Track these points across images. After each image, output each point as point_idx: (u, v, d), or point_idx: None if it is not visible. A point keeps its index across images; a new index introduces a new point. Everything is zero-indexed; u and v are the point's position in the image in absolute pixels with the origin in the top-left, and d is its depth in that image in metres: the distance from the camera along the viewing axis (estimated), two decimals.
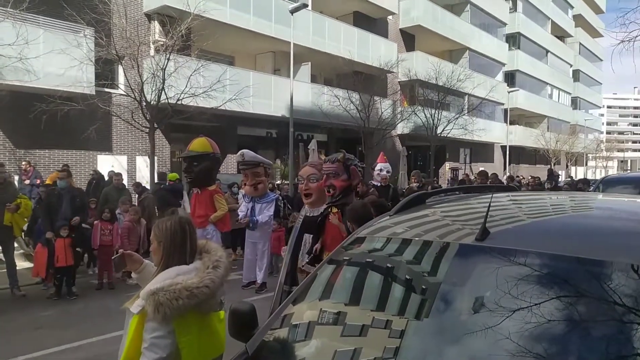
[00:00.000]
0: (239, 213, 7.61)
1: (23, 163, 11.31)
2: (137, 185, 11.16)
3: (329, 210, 4.03)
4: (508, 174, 23.32)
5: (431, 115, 21.82)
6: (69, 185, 7.57)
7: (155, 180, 11.95)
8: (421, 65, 23.71)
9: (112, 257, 2.44)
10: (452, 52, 28.54)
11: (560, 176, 22.93)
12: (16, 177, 10.97)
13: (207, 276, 2.09)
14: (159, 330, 1.99)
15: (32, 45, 10.43)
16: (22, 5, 10.03)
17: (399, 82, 24.46)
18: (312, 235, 4.09)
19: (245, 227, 7.60)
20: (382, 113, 19.71)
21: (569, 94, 45.61)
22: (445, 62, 24.93)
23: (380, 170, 9.58)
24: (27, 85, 10.88)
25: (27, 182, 10.67)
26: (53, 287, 6.98)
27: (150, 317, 1.98)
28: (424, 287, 1.79)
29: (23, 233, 8.53)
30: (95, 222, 7.66)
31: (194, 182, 7.70)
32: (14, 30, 9.94)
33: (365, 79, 19.00)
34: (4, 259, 7.19)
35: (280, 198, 8.87)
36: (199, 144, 7.74)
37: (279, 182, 15.79)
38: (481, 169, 16.19)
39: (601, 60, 53.86)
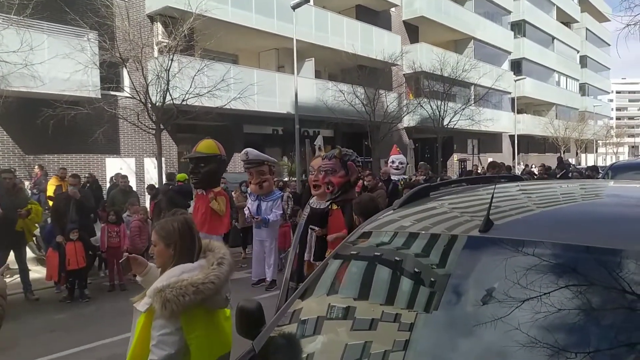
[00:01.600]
0: (245, 212, 7.63)
1: (35, 167, 11.43)
2: (151, 188, 11.17)
3: (330, 207, 4.03)
4: (522, 165, 23.11)
5: (437, 107, 21.72)
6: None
7: (164, 181, 12.02)
8: (426, 56, 23.57)
9: (120, 261, 2.45)
10: (457, 42, 28.34)
11: (571, 164, 22.73)
12: (27, 183, 11.08)
13: (212, 272, 2.13)
14: (166, 327, 2.02)
15: (37, 51, 10.52)
16: (26, 11, 10.10)
17: (403, 74, 24.35)
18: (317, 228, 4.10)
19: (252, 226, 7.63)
20: (387, 106, 19.65)
21: (577, 80, 45.14)
22: (450, 53, 24.76)
23: (392, 162, 9.30)
24: (34, 91, 10.97)
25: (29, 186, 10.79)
26: (66, 290, 7.05)
27: (158, 314, 2.02)
28: (431, 279, 1.78)
29: (35, 238, 8.63)
30: (102, 225, 7.72)
31: (199, 184, 7.72)
32: (18, 36, 10.02)
33: (369, 73, 18.92)
34: (16, 264, 7.27)
35: (290, 196, 8.87)
36: (206, 145, 7.77)
37: (286, 179, 15.80)
38: (490, 159, 16.04)
39: (609, 45, 53.20)
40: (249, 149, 7.23)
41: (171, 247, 2.19)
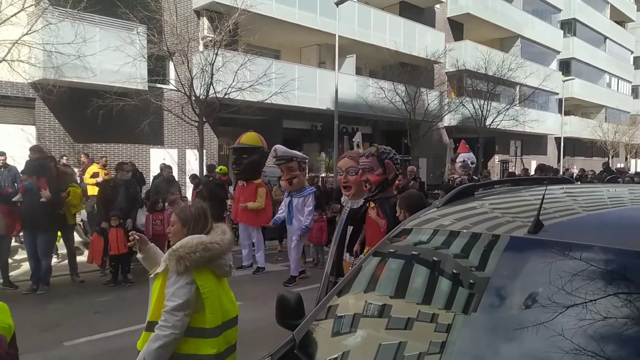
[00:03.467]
0: (278, 214, 7.59)
1: (82, 156, 11.90)
2: (194, 177, 11.58)
3: (368, 205, 4.02)
4: (575, 168, 22.15)
5: (480, 106, 21.22)
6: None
7: (204, 173, 12.30)
8: (470, 54, 23.04)
9: (129, 237, 2.79)
10: (503, 40, 27.55)
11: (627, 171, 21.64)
12: (76, 170, 11.56)
13: (217, 236, 2.48)
14: (179, 282, 2.32)
15: (89, 43, 10.95)
16: (80, 5, 10.51)
17: (446, 72, 23.90)
18: (352, 227, 4.10)
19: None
20: (428, 105, 19.36)
21: (629, 82, 43.05)
22: (495, 51, 24.10)
23: (463, 161, 8.46)
24: (85, 81, 11.41)
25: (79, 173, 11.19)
26: (109, 274, 7.33)
27: (173, 271, 2.32)
28: (471, 280, 1.74)
29: (82, 223, 9.00)
30: (147, 213, 7.95)
31: (241, 174, 7.86)
32: (72, 29, 10.46)
33: (411, 70, 18.68)
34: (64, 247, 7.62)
35: (317, 190, 8.79)
36: (250, 137, 7.94)
37: (323, 174, 15.84)
38: (534, 162, 15.51)
39: None
40: (277, 146, 7.23)
41: (186, 228, 2.51)
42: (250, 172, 7.92)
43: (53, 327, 5.35)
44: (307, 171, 7.62)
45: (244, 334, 4.99)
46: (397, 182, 7.51)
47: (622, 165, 32.87)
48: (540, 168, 11.37)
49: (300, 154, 7.55)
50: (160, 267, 2.40)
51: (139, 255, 2.77)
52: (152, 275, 2.48)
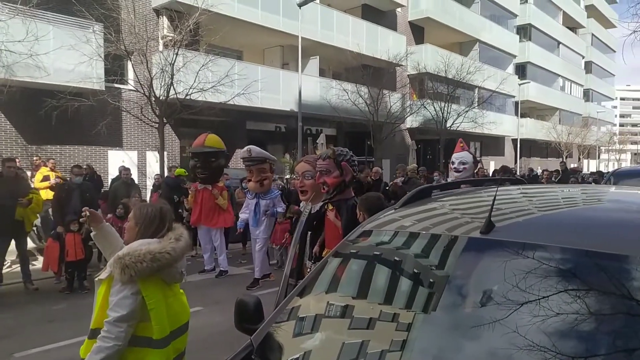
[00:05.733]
0: (241, 215, 7.53)
1: (35, 158, 11.43)
2: (158, 179, 11.21)
3: (326, 207, 4.04)
4: (540, 169, 22.85)
5: (441, 109, 21.69)
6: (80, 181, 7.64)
7: (165, 175, 12.02)
8: (430, 58, 23.54)
9: (82, 214, 2.73)
10: (462, 44, 28.29)
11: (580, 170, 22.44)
12: (29, 173, 11.09)
13: (169, 244, 2.35)
14: (123, 292, 2.22)
15: (42, 42, 10.50)
16: (32, 1, 10.10)
17: (408, 75, 24.32)
18: (310, 233, 4.11)
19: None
20: (391, 107, 19.62)
21: (581, 86, 45.05)
22: (455, 55, 24.72)
23: (452, 162, 6.61)
24: (38, 81, 10.97)
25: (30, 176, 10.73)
26: (65, 281, 7.07)
27: (117, 279, 2.21)
28: (430, 280, 1.78)
29: (35, 228, 8.64)
30: (109, 215, 7.72)
31: (209, 179, 7.77)
32: (24, 26, 10.03)
33: (374, 73, 18.89)
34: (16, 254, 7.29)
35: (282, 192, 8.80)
36: (214, 140, 7.81)
37: (287, 176, 15.79)
38: (494, 163, 15.96)
39: (614, 51, 53.11)
40: (251, 146, 7.13)
41: (139, 226, 2.43)
42: (216, 176, 7.89)
43: (6, 338, 5.12)
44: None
45: (205, 339, 4.93)
46: (372, 178, 7.45)
47: (576, 165, 34.27)
48: (504, 169, 11.86)
49: (272, 155, 7.50)
50: (105, 272, 2.29)
51: (92, 233, 2.73)
52: (97, 279, 2.37)
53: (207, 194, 7.74)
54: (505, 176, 10.91)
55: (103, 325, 2.21)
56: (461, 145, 6.94)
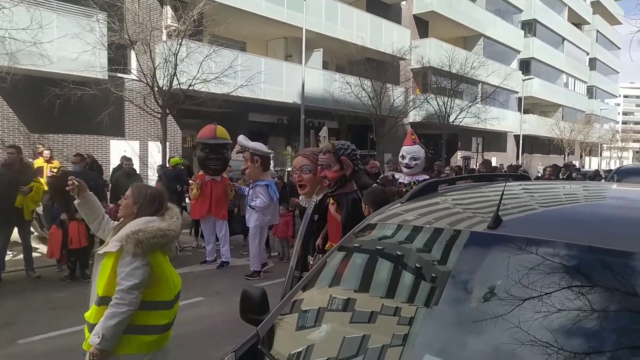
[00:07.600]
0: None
1: (38, 146, 11.39)
2: (162, 168, 11.21)
3: (327, 201, 4.04)
4: (541, 166, 22.88)
5: (444, 103, 21.63)
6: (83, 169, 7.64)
7: (167, 165, 12.02)
8: (434, 52, 23.43)
9: (68, 183, 2.82)
10: (467, 38, 28.15)
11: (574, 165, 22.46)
12: (31, 161, 11.08)
13: (173, 223, 2.67)
14: (134, 263, 2.48)
15: (46, 30, 10.47)
16: None
17: (411, 69, 24.23)
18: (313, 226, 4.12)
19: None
20: (394, 100, 19.58)
21: (585, 82, 44.84)
22: (459, 49, 24.60)
23: (402, 157, 6.37)
24: (41, 69, 10.96)
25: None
26: (67, 269, 7.09)
27: (130, 252, 2.46)
28: (434, 274, 1.78)
29: (38, 216, 8.63)
30: (111, 205, 7.72)
31: (221, 170, 7.93)
32: (28, 14, 9.97)
33: (377, 66, 18.83)
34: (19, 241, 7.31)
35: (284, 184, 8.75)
36: (224, 132, 7.93)
37: (289, 169, 15.80)
38: (496, 159, 15.96)
39: (619, 48, 52.77)
40: (240, 136, 7.28)
41: (136, 206, 2.66)
42: (225, 167, 8.11)
43: (9, 325, 5.14)
44: (267, 165, 7.45)
45: (205, 329, 4.95)
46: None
47: (572, 161, 34.23)
48: (485, 164, 12.00)
49: (258, 147, 7.33)
50: (113, 246, 2.52)
51: (76, 201, 2.87)
52: (101, 252, 2.59)
53: (217, 185, 7.77)
54: (489, 171, 10.95)
55: (113, 293, 2.45)
56: (412, 137, 6.50)
